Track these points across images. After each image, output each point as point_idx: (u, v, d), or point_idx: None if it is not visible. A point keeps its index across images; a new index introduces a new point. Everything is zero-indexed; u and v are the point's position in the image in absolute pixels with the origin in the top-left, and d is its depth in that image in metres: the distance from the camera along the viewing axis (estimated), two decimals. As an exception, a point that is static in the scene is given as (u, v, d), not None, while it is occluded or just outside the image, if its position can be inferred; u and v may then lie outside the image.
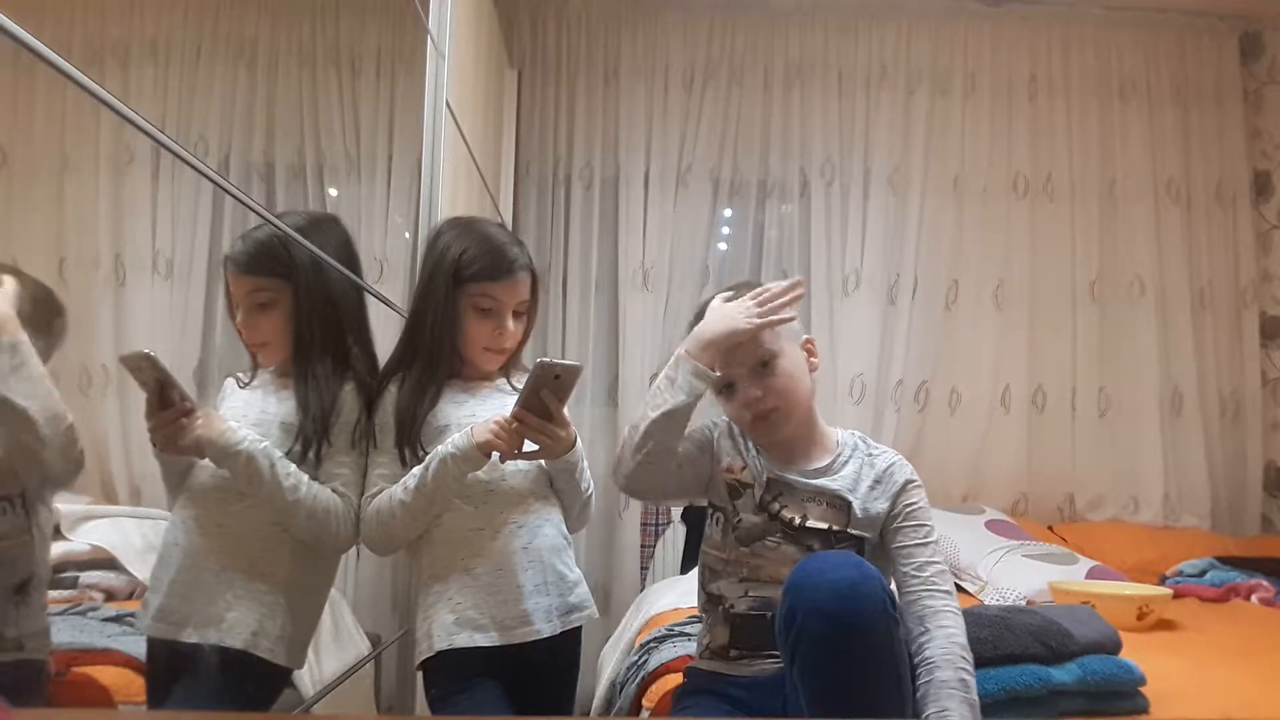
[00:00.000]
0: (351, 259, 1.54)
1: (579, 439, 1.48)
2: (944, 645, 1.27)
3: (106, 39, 1.04)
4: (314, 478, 1.39)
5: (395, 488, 1.43)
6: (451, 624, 1.40)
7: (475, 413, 1.48)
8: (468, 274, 1.48)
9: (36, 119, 0.95)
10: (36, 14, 0.86)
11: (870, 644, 1.18)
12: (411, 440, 1.45)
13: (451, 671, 1.41)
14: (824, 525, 1.38)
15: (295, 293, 1.38)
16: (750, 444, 1.48)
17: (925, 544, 1.38)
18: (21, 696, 0.96)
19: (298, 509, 1.34)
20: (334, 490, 1.40)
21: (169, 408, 1.18)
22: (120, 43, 1.06)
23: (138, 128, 1.02)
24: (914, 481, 1.44)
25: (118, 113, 0.99)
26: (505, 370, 1.58)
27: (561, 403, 1.39)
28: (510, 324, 1.51)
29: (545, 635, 1.42)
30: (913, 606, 1.32)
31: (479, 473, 1.42)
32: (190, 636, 1.24)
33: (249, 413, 1.36)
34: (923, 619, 1.30)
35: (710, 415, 1.52)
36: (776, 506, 1.40)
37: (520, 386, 1.45)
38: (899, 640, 1.23)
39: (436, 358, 1.49)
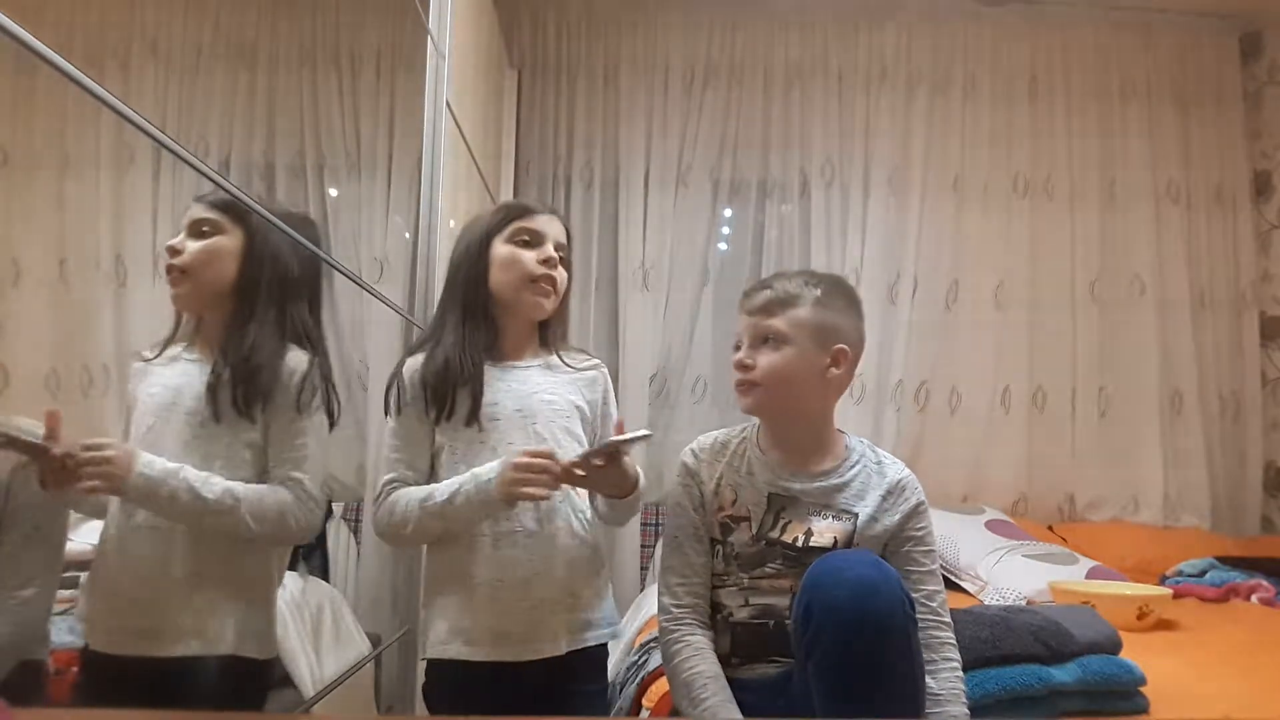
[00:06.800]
0: (315, 240, 1.44)
1: (641, 477, 1.38)
2: (951, 680, 1.33)
3: (107, 39, 1.04)
4: (256, 445, 1.25)
5: (417, 493, 1.34)
6: (445, 633, 1.33)
7: (510, 388, 1.40)
8: (500, 221, 1.44)
9: (37, 119, 0.95)
10: (37, 14, 0.86)
11: (889, 645, 1.18)
12: (444, 406, 1.37)
13: (449, 684, 1.36)
14: (828, 543, 1.38)
15: (247, 240, 1.28)
16: (749, 456, 1.46)
17: (932, 571, 1.41)
18: (21, 696, 0.96)
19: (240, 520, 1.21)
20: (289, 477, 1.27)
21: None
22: (121, 43, 1.06)
23: (138, 128, 1.02)
24: (924, 503, 1.44)
25: (118, 113, 0.99)
26: (551, 343, 1.50)
27: (625, 454, 1.33)
28: (555, 252, 1.44)
29: (546, 655, 1.32)
30: (920, 634, 1.32)
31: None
32: (172, 650, 1.15)
33: (179, 399, 1.21)
34: (930, 647, 1.34)
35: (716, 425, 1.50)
36: (776, 532, 1.39)
37: (570, 362, 1.45)
38: (917, 641, 1.24)
39: (474, 315, 1.42)
